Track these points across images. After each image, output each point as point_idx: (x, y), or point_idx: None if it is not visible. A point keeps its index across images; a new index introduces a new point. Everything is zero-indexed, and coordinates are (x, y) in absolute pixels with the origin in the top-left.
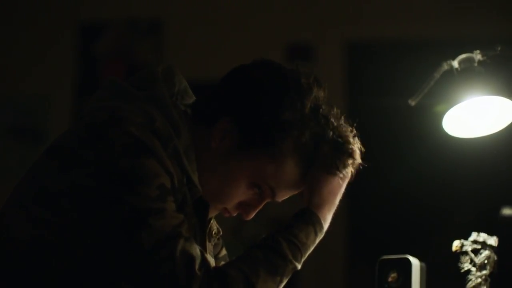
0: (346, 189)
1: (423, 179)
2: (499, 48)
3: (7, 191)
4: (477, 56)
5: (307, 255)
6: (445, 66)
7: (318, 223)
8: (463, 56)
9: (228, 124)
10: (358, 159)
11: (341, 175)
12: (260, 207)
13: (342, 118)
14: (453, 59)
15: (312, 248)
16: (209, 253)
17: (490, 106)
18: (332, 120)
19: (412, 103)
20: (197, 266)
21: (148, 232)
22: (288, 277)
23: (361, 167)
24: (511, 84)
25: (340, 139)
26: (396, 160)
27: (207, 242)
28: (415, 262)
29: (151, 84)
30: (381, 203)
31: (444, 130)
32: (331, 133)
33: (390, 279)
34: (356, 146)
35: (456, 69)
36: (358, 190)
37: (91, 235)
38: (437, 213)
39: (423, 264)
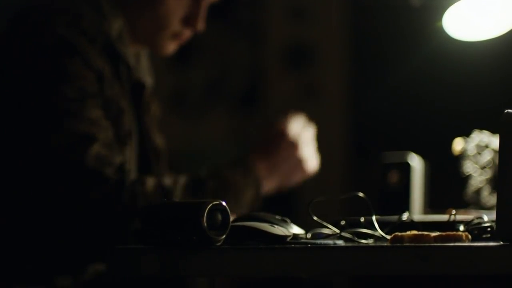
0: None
1: (426, 78)
2: None
3: None
4: None
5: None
6: None
7: (251, 171)
8: None
9: None
10: None
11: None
12: (203, 13)
13: None
14: None
15: (242, 192)
16: (151, 129)
17: (493, 5)
18: None
19: (417, 3)
20: (109, 172)
21: (60, 134)
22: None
23: None
24: None
25: None
26: (400, 60)
27: (150, 121)
28: (416, 164)
29: None
30: (383, 103)
31: (446, 32)
32: None
33: (391, 180)
34: None
35: None
36: (361, 91)
37: (18, 134)
38: (440, 112)
39: (425, 163)
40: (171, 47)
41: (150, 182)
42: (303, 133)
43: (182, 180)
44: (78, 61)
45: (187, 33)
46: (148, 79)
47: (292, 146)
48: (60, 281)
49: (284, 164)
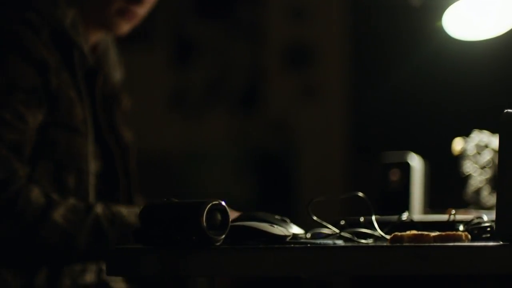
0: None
1: (426, 78)
2: None
3: None
4: None
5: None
6: None
7: None
8: None
9: None
10: None
11: None
12: None
13: None
14: None
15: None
16: (120, 124)
17: (493, 5)
18: None
19: (417, 3)
20: None
21: None
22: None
23: None
24: None
25: None
26: (400, 60)
27: (119, 115)
28: (416, 164)
29: None
30: (384, 103)
31: (446, 32)
32: None
33: (391, 180)
34: None
35: None
36: (361, 91)
37: None
38: (440, 112)
39: (425, 163)
40: (122, 25)
41: (36, 191)
42: None
43: (72, 200)
44: (17, 53)
45: (133, 10)
46: (117, 73)
47: None
48: None
49: None
